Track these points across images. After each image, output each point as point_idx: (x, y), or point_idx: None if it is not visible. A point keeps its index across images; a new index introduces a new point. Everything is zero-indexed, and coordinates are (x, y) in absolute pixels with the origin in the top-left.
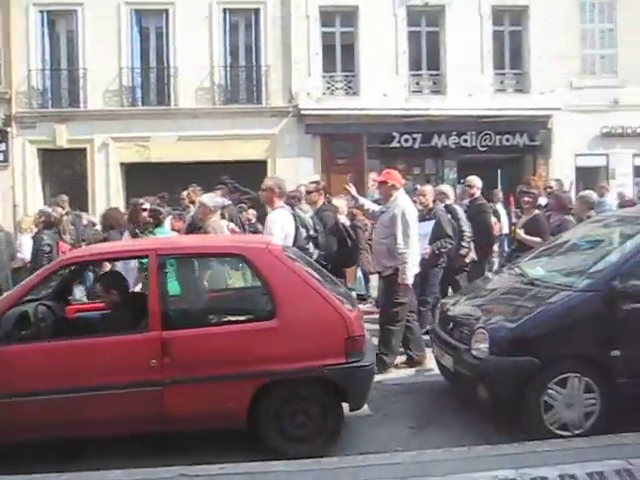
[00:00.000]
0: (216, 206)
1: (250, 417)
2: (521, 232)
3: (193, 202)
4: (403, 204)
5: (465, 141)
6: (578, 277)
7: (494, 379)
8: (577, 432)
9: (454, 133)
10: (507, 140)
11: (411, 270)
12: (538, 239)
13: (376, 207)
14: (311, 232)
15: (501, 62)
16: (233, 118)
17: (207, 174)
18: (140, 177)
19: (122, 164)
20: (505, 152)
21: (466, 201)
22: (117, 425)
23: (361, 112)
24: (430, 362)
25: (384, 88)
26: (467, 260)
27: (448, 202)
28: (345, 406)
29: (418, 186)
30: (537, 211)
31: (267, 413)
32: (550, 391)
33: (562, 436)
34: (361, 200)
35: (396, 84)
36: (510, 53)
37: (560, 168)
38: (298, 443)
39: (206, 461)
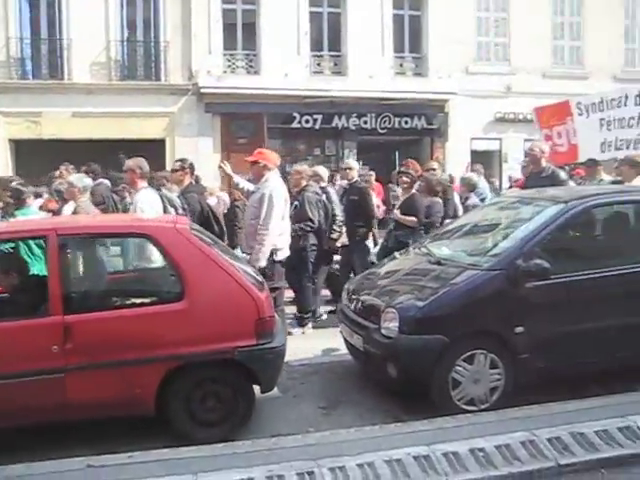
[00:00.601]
0: (85, 187)
1: (159, 402)
2: (397, 212)
3: None
4: (273, 185)
5: (365, 123)
6: (483, 257)
7: (404, 357)
8: (483, 407)
9: (354, 115)
10: (406, 123)
11: (268, 253)
12: (413, 218)
13: (252, 186)
14: (179, 212)
15: (401, 46)
16: (130, 95)
17: (103, 152)
18: (31, 154)
19: (11, 140)
20: (404, 134)
21: (345, 183)
22: (18, 416)
23: (262, 92)
24: (337, 341)
25: (285, 68)
26: (338, 244)
27: (323, 184)
28: (256, 388)
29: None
30: (414, 191)
31: (177, 397)
32: (458, 368)
33: (469, 411)
34: (236, 179)
35: (297, 64)
36: (409, 37)
37: (456, 151)
38: (209, 427)
39: (114, 450)
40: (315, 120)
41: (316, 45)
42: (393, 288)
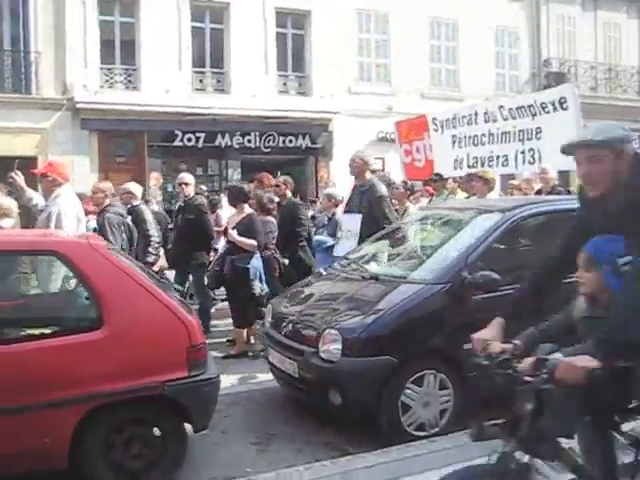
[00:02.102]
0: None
1: (73, 452)
2: (234, 232)
3: None
4: (62, 202)
5: (249, 141)
6: (423, 270)
7: (348, 382)
8: (433, 431)
9: (238, 133)
10: (290, 142)
11: None
12: (253, 241)
13: (42, 202)
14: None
15: (284, 64)
16: None
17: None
18: None
19: None
20: (288, 153)
21: (180, 201)
22: None
23: (142, 108)
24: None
25: (166, 84)
26: (155, 268)
27: (135, 203)
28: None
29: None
30: (249, 210)
31: (94, 446)
32: (407, 391)
33: (420, 437)
34: (29, 193)
35: (179, 80)
36: (293, 56)
37: (340, 170)
38: (134, 478)
39: None
40: (198, 138)
41: (198, 61)
42: (328, 308)
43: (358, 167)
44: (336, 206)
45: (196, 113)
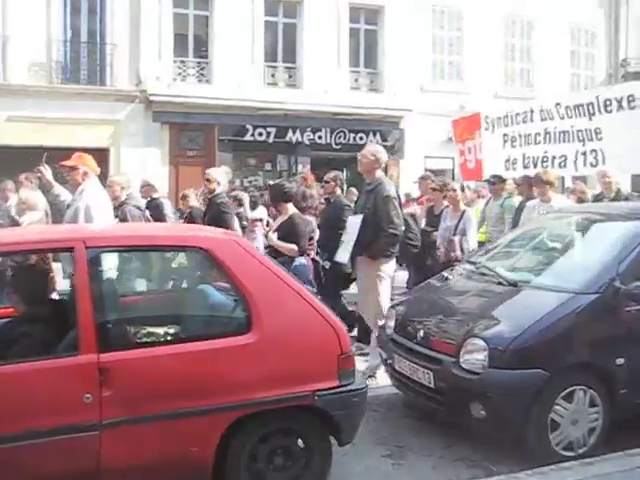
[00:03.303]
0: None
1: (217, 463)
2: (273, 236)
3: None
4: (89, 197)
5: (320, 138)
6: (571, 278)
7: (496, 396)
8: (581, 451)
9: (309, 129)
10: (361, 139)
11: None
12: (292, 246)
13: (69, 197)
14: None
15: (356, 60)
16: (73, 99)
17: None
18: None
19: None
20: (359, 150)
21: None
22: None
23: (214, 101)
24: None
25: (238, 78)
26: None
27: (155, 195)
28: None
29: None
30: (293, 210)
31: (240, 457)
32: (557, 407)
33: (569, 457)
34: (57, 188)
35: (251, 74)
36: (365, 52)
37: (410, 169)
38: None
39: None
40: (269, 133)
41: (270, 55)
42: (466, 315)
43: (367, 164)
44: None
45: (267, 108)
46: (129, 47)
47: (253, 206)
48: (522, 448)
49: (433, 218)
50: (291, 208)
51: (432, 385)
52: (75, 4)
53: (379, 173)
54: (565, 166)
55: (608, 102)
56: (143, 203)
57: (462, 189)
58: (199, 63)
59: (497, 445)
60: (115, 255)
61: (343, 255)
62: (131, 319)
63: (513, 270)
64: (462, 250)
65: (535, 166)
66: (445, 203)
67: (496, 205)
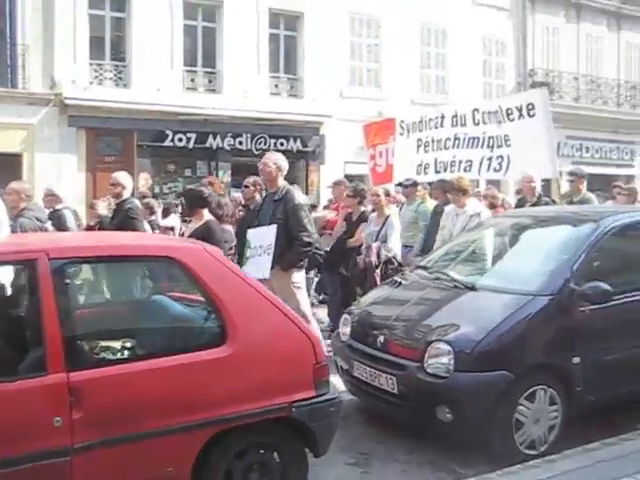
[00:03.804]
0: None
1: None
2: None
3: None
4: None
5: (240, 143)
6: (527, 280)
7: (463, 398)
8: (542, 449)
9: (229, 134)
10: (281, 144)
11: None
12: None
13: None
14: None
15: (276, 66)
16: None
17: None
18: None
19: None
20: None
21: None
22: None
23: (132, 106)
24: None
25: (157, 82)
26: None
27: (58, 206)
28: None
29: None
30: (209, 217)
31: (215, 474)
32: (521, 407)
33: (532, 456)
34: None
35: (170, 79)
36: (285, 57)
37: (331, 174)
38: None
39: None
40: (189, 139)
41: (190, 60)
42: (425, 319)
43: (269, 173)
44: None
45: (187, 113)
46: (42, 49)
47: (165, 214)
48: (486, 449)
49: (351, 225)
50: (207, 214)
51: (395, 390)
52: None
53: (282, 181)
54: (470, 170)
55: (510, 111)
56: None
57: (387, 194)
58: (116, 66)
59: (460, 447)
60: (80, 266)
61: (255, 270)
62: (99, 334)
63: (467, 274)
64: (379, 257)
65: (445, 170)
66: (362, 209)
67: (410, 210)
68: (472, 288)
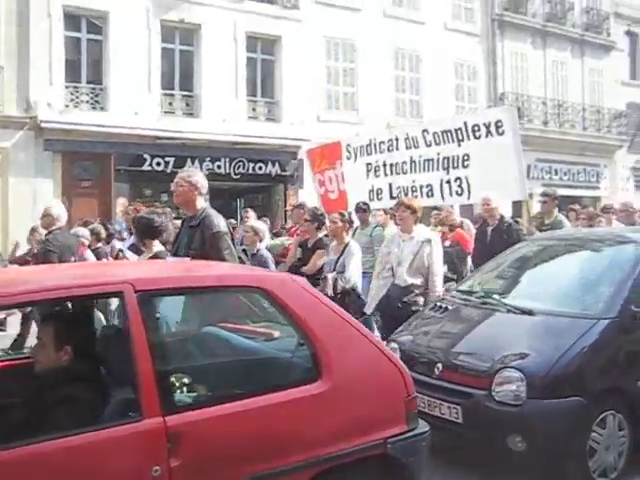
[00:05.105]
0: None
1: None
2: None
3: None
4: None
5: (219, 167)
6: (587, 304)
7: (537, 426)
8: (613, 476)
9: (208, 159)
10: (260, 168)
11: None
12: None
13: None
14: None
15: (254, 89)
16: None
17: None
18: None
19: None
20: (258, 180)
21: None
22: None
23: (109, 129)
24: None
25: (135, 106)
26: None
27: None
28: None
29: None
30: (159, 249)
31: None
32: (594, 434)
33: None
34: None
35: (148, 102)
36: (262, 81)
37: (310, 198)
38: None
39: None
40: (167, 163)
41: (167, 83)
42: (488, 346)
43: (183, 193)
44: (261, 241)
45: (165, 137)
46: (17, 71)
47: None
48: (558, 479)
49: (306, 251)
50: (157, 245)
51: (460, 420)
52: None
53: (201, 203)
54: (432, 195)
55: (476, 127)
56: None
57: (349, 222)
58: (93, 89)
59: (531, 478)
60: (166, 297)
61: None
62: (197, 374)
63: (519, 298)
64: (335, 288)
65: (406, 195)
66: (319, 235)
67: (363, 235)
68: (530, 313)
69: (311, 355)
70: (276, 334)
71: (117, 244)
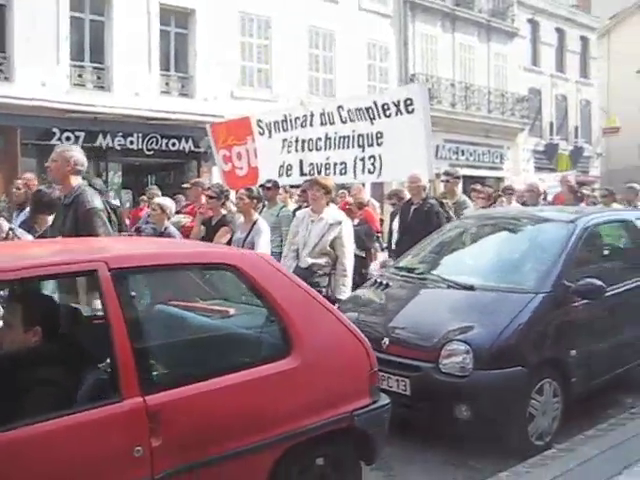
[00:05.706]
0: None
1: None
2: None
3: None
4: None
5: (131, 143)
6: (524, 279)
7: (483, 396)
8: (548, 439)
9: (120, 134)
10: (173, 144)
11: None
12: None
13: None
14: None
15: (167, 64)
16: None
17: None
18: None
19: None
20: (171, 157)
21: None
22: None
23: (15, 101)
24: None
25: (43, 77)
26: None
27: None
28: None
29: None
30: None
31: None
32: (533, 401)
33: (540, 447)
34: None
35: (57, 73)
36: (175, 55)
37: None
38: None
39: None
40: (77, 137)
41: (77, 54)
42: (432, 320)
43: (57, 170)
44: (169, 219)
45: (75, 110)
46: None
47: None
48: (497, 444)
49: (210, 229)
50: (50, 220)
51: (407, 392)
52: None
53: (77, 181)
54: (345, 173)
55: (386, 106)
56: None
57: (258, 198)
58: None
59: (471, 444)
60: (141, 274)
61: None
62: (175, 352)
63: (457, 274)
64: None
65: (319, 173)
66: (223, 212)
67: (271, 214)
68: (471, 288)
69: (281, 331)
70: (231, 311)
71: (4, 223)
